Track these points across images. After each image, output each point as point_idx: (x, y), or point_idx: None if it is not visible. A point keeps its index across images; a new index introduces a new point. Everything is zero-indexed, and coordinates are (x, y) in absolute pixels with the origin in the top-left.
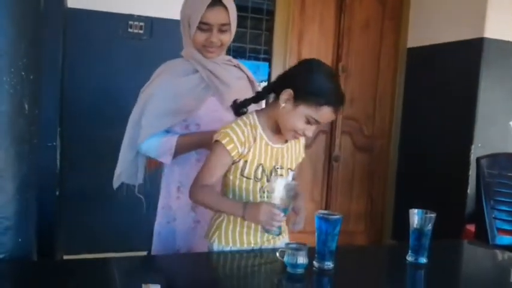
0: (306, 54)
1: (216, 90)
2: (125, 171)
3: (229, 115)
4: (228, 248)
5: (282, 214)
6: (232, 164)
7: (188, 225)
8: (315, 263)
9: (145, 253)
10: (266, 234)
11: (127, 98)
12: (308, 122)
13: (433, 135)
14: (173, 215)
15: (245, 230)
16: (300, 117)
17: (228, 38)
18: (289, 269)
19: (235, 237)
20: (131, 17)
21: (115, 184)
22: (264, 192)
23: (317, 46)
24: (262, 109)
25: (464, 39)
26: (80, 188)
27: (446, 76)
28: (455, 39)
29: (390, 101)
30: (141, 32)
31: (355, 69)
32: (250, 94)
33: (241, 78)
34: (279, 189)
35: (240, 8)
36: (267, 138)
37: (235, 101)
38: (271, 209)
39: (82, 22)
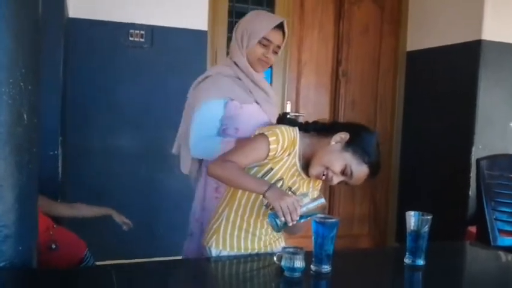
0: (307, 60)
1: (260, 100)
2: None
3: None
4: (225, 253)
5: (298, 217)
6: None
7: None
8: (312, 266)
9: (145, 260)
10: (263, 241)
11: (129, 106)
12: (343, 171)
13: (434, 138)
14: (207, 216)
15: (243, 234)
16: (341, 161)
17: (275, 59)
18: (286, 273)
19: (232, 242)
20: (132, 25)
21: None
22: (267, 207)
23: (317, 52)
24: (306, 134)
25: (462, 41)
26: (82, 196)
27: (446, 78)
28: (453, 42)
29: (390, 104)
30: (142, 40)
31: (355, 73)
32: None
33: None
34: (310, 201)
35: (239, 15)
36: (297, 159)
37: (285, 114)
38: (297, 204)
39: (83, 31)
